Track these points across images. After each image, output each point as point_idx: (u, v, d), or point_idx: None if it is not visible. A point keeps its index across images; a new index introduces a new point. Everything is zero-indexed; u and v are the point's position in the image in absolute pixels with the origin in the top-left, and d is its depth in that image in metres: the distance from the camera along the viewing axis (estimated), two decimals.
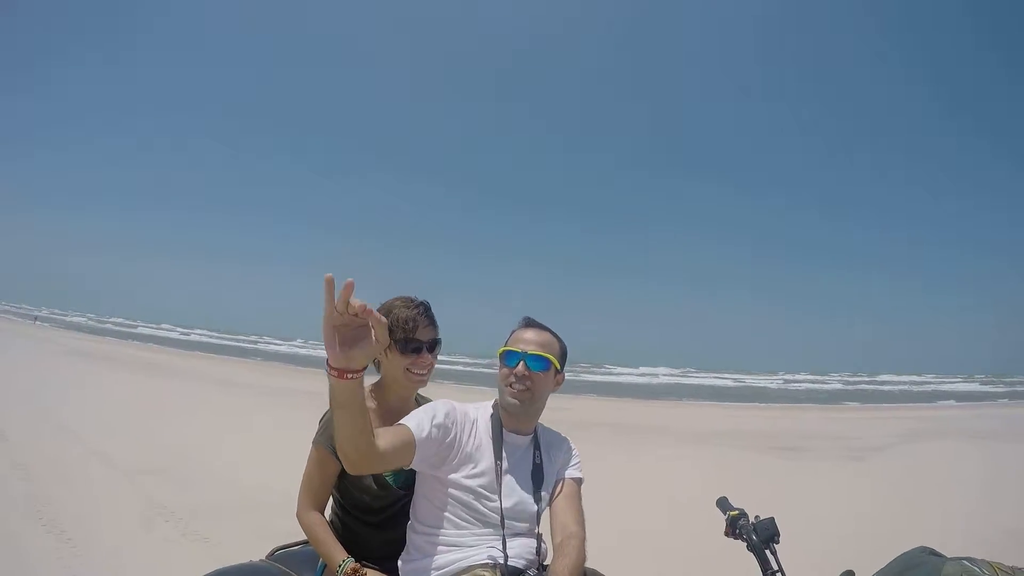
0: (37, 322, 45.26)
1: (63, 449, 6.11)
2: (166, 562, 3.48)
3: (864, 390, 35.39)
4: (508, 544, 1.53)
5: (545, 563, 1.59)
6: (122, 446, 6.40)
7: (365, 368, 1.24)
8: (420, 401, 1.94)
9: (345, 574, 1.52)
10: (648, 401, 20.92)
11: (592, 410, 14.74)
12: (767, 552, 1.47)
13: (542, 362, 1.63)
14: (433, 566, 1.51)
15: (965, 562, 1.05)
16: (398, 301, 1.79)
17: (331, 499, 1.75)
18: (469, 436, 1.62)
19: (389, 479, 1.69)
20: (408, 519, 1.64)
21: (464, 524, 1.54)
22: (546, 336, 1.69)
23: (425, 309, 1.79)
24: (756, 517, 1.54)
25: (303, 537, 1.72)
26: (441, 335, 1.84)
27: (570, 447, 1.78)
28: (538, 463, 1.67)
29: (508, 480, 1.60)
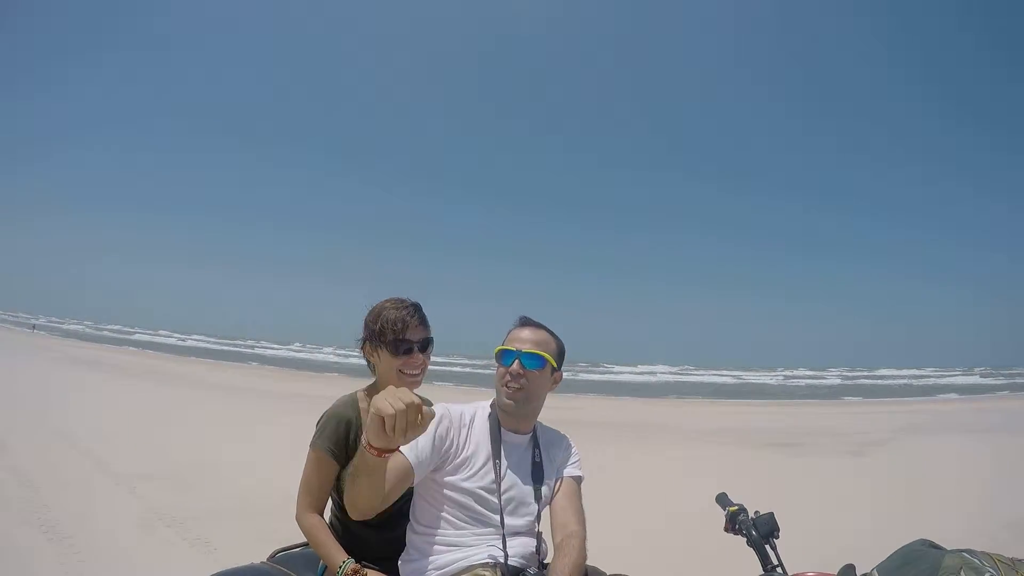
0: (35, 330, 45.13)
1: (62, 455, 6.10)
2: (167, 565, 3.47)
3: (864, 385, 35.44)
4: (508, 543, 1.52)
5: (545, 562, 1.59)
6: (121, 451, 6.38)
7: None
8: None
9: (346, 575, 1.52)
10: (647, 399, 20.93)
11: (594, 409, 14.75)
12: (767, 547, 1.47)
13: (537, 360, 1.63)
14: (433, 566, 1.50)
15: (965, 554, 1.05)
16: (388, 303, 1.79)
17: (330, 501, 1.75)
18: (466, 438, 1.62)
19: None
20: (407, 519, 1.64)
21: (463, 524, 1.54)
22: (542, 335, 1.69)
23: (415, 309, 1.79)
24: (756, 512, 1.54)
25: (303, 540, 1.72)
26: (434, 335, 1.83)
27: (569, 445, 1.78)
28: (538, 461, 1.67)
29: (507, 479, 1.60)
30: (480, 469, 1.58)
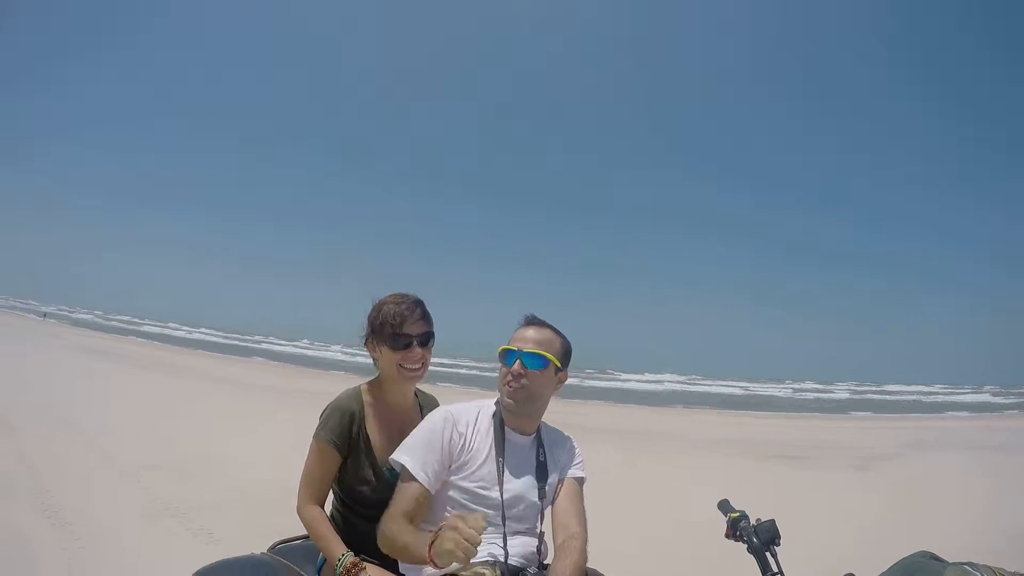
0: (46, 318, 45.68)
1: (69, 442, 6.16)
2: (169, 554, 3.49)
3: (872, 399, 35.01)
4: (509, 542, 1.52)
5: (546, 562, 1.59)
6: (127, 441, 6.44)
7: None
8: (420, 398, 1.95)
9: (344, 568, 1.53)
10: (654, 408, 20.81)
11: (600, 416, 14.68)
12: (767, 554, 1.46)
13: (539, 360, 1.62)
14: None
15: (966, 567, 1.04)
16: (389, 298, 1.80)
17: (331, 493, 1.76)
18: (470, 438, 1.62)
19: (388, 473, 1.69)
20: None
21: None
22: (546, 334, 1.68)
23: (415, 304, 1.79)
24: (757, 519, 1.54)
25: (304, 533, 1.73)
26: (435, 330, 1.83)
27: (573, 446, 1.77)
28: (541, 460, 1.67)
29: (510, 478, 1.60)
30: (483, 468, 1.59)
